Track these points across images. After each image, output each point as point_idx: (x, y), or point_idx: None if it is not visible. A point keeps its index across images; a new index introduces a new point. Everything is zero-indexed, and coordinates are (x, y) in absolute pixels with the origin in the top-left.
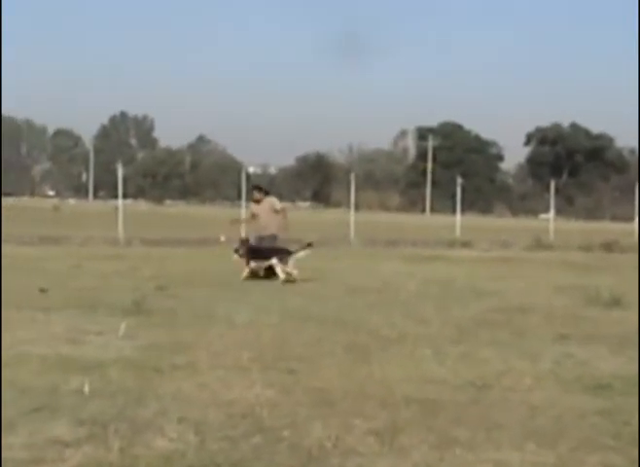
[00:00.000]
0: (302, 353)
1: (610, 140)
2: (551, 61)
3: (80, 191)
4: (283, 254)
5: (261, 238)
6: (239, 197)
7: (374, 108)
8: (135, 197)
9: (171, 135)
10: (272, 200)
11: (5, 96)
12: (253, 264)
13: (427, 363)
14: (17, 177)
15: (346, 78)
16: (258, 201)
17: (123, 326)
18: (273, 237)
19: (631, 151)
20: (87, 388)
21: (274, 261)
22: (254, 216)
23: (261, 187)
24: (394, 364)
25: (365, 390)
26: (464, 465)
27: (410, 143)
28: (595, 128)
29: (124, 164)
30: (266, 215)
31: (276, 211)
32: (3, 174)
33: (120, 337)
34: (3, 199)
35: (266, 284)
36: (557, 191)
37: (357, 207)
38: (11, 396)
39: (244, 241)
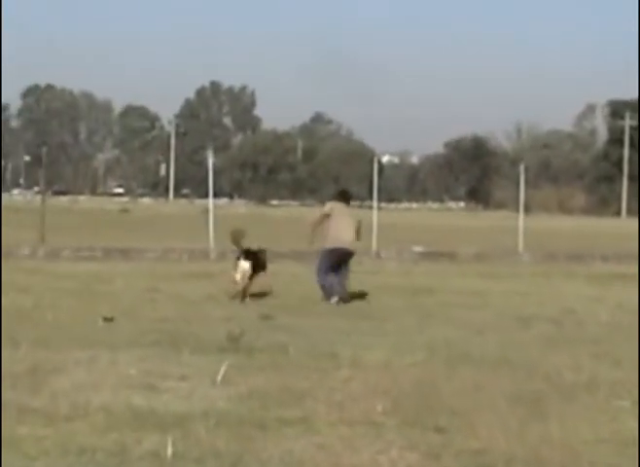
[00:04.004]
0: (455, 405)
1: None
2: None
3: (157, 187)
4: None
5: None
6: (370, 195)
7: (550, 74)
8: (231, 195)
9: (279, 113)
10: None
11: (53, 63)
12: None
13: (625, 419)
14: (74, 169)
15: (509, 30)
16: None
17: (222, 369)
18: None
19: None
20: (169, 451)
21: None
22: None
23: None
24: (579, 420)
25: (539, 455)
26: None
27: (600, 123)
28: None
29: (217, 152)
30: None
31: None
32: (53, 165)
33: (217, 383)
34: (54, 199)
35: (408, 311)
36: None
37: (528, 209)
38: (66, 462)
39: None
